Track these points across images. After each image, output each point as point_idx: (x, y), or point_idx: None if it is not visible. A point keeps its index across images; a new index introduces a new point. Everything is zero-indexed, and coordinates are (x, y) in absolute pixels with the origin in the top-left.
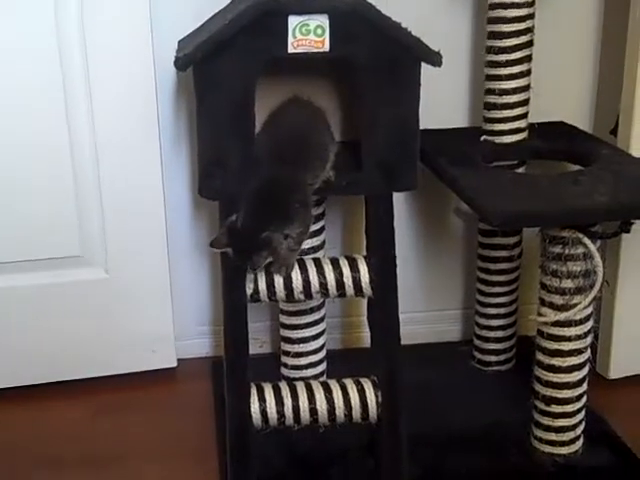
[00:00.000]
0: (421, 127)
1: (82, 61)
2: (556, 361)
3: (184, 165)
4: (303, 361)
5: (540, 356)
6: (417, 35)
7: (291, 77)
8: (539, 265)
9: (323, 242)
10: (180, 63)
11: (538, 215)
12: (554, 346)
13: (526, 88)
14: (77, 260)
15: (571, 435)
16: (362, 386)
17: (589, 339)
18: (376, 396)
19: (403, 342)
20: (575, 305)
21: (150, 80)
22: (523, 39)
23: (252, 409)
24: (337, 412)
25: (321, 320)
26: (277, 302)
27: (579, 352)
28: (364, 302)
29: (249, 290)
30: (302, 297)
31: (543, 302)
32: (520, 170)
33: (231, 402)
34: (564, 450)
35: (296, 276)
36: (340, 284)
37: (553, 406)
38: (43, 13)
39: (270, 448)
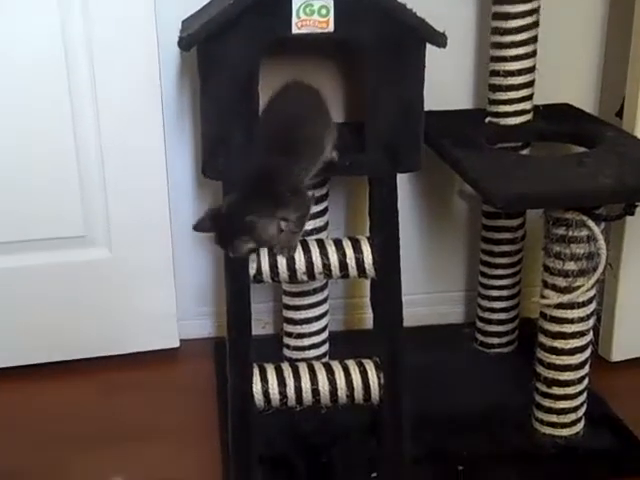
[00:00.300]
0: (425, 108)
1: (86, 41)
2: (558, 343)
3: (187, 145)
4: (306, 342)
5: (542, 338)
6: (422, 16)
7: (295, 58)
8: (542, 247)
9: (326, 223)
10: (184, 43)
11: (542, 197)
12: (556, 328)
13: (531, 70)
14: (80, 240)
15: (572, 417)
16: (364, 367)
17: (592, 322)
18: (378, 377)
19: (405, 324)
20: (578, 287)
21: (154, 60)
22: (529, 20)
23: (254, 390)
24: (339, 393)
25: (324, 301)
26: (280, 283)
27: (581, 334)
28: (367, 283)
29: (252, 271)
30: (305, 278)
31: (546, 284)
32: (524, 152)
33: (233, 382)
34: (565, 432)
35: (299, 257)
36: (343, 265)
37: (555, 388)
38: None
39: (272, 429)
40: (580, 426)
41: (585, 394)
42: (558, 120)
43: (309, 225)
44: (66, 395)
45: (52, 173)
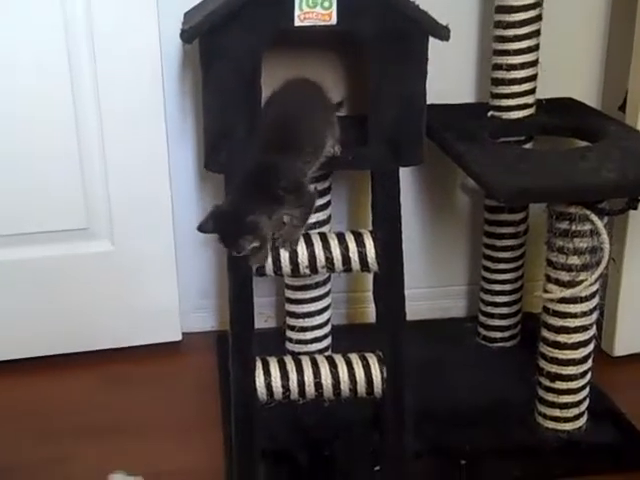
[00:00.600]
0: (428, 102)
1: (87, 33)
2: (561, 338)
3: (190, 138)
4: (308, 335)
5: (545, 333)
6: (424, 9)
7: (298, 51)
8: (545, 241)
9: (329, 217)
10: (186, 35)
11: (545, 191)
12: (560, 323)
13: (534, 63)
14: (83, 232)
15: (575, 411)
16: (367, 361)
17: (595, 316)
18: (381, 371)
19: (408, 318)
20: (581, 282)
21: (156, 53)
22: (532, 13)
23: (257, 383)
24: (342, 387)
25: (326, 295)
26: (282, 276)
27: (585, 329)
28: (369, 277)
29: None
30: (308, 272)
31: (549, 279)
32: (527, 146)
33: (236, 376)
34: (568, 426)
35: (302, 251)
36: (346, 259)
37: (558, 382)
38: None
39: (275, 422)
40: (583, 420)
41: (588, 388)
42: (561, 114)
43: (312, 218)
44: (68, 388)
45: (54, 166)
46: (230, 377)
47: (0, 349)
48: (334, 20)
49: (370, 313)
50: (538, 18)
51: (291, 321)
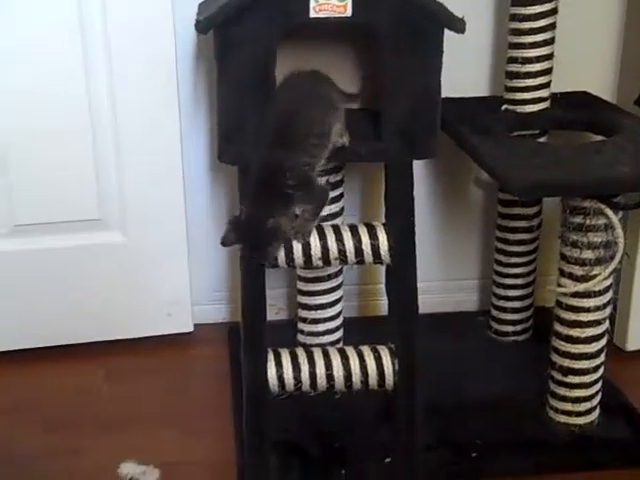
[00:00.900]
0: (442, 95)
1: (102, 25)
2: (574, 332)
3: (203, 130)
4: (320, 328)
5: (558, 327)
6: (440, 1)
7: (312, 43)
8: (559, 236)
9: (342, 209)
10: (201, 26)
11: (560, 185)
12: (573, 317)
13: (549, 57)
14: (95, 223)
15: (587, 406)
16: (379, 353)
17: (608, 310)
18: (393, 364)
19: (420, 311)
20: (595, 276)
21: (170, 44)
22: (547, 7)
23: (269, 374)
24: (353, 379)
25: (338, 287)
26: (295, 268)
27: (598, 323)
28: (382, 269)
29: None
30: (320, 264)
31: (563, 273)
32: (541, 140)
33: (248, 367)
34: (580, 420)
35: (315, 243)
36: (359, 251)
37: (570, 377)
38: None
39: (286, 414)
40: (595, 415)
41: (600, 383)
42: (576, 108)
43: (324, 211)
44: (79, 378)
45: (67, 156)
46: (242, 369)
47: (12, 338)
48: (349, 12)
49: (382, 306)
50: (554, 11)
51: (303, 313)
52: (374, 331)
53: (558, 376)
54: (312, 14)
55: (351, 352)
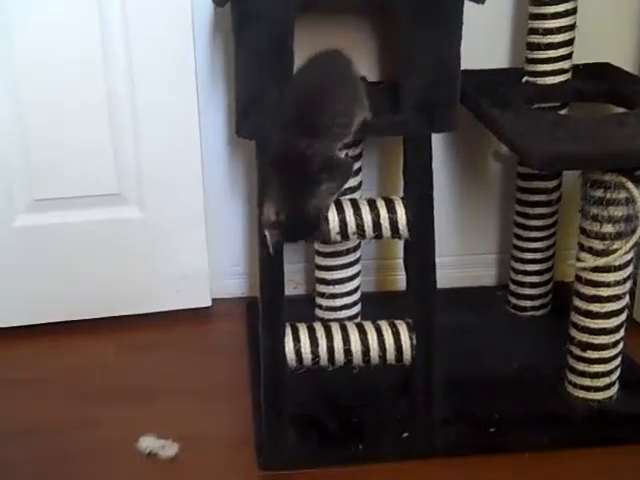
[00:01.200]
0: (461, 67)
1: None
2: (594, 307)
3: (220, 104)
4: (338, 303)
5: (577, 302)
6: None
7: (329, 16)
8: (579, 209)
9: (360, 183)
10: None
11: (580, 158)
12: (592, 292)
13: (571, 27)
14: (114, 198)
15: (606, 381)
16: (397, 328)
17: (628, 285)
18: (410, 339)
19: (438, 286)
20: (615, 250)
21: (187, 18)
22: None
23: (287, 349)
24: (371, 353)
25: (356, 262)
26: (313, 243)
27: (618, 298)
28: (399, 244)
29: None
30: (339, 238)
31: (582, 247)
32: (563, 112)
33: (266, 341)
34: (599, 396)
35: (333, 217)
36: (377, 225)
37: (589, 352)
38: None
39: (304, 388)
40: (614, 390)
41: (619, 358)
42: (597, 80)
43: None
44: (98, 352)
45: (85, 131)
46: (260, 343)
47: (31, 313)
48: None
49: (400, 281)
50: None
51: (321, 288)
52: (392, 306)
53: (577, 351)
54: None
55: (369, 327)
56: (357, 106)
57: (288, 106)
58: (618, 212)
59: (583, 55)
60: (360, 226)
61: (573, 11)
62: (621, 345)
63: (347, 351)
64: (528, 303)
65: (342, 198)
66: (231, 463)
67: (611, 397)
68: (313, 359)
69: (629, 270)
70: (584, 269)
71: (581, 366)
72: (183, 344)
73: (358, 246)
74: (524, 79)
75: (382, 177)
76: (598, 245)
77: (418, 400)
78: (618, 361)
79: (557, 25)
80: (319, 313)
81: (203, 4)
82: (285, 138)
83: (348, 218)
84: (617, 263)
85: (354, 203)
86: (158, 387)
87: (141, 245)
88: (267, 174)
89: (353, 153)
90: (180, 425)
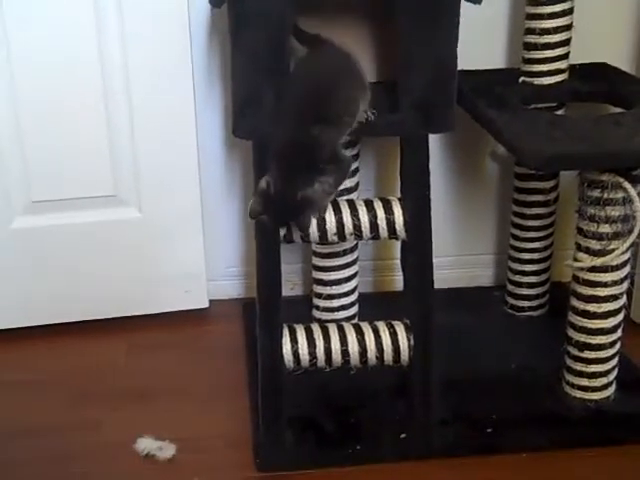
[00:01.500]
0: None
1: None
2: (591, 307)
3: (217, 105)
4: (335, 303)
5: (575, 302)
6: None
7: (327, 16)
8: (576, 210)
9: (357, 184)
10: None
11: (578, 158)
12: (589, 292)
13: (568, 27)
14: (111, 200)
15: (604, 381)
16: (394, 329)
17: (625, 285)
18: (408, 339)
19: (436, 286)
20: (612, 250)
21: (184, 19)
22: None
23: (284, 350)
24: (369, 354)
25: (354, 262)
26: (310, 243)
27: (615, 298)
28: (397, 245)
29: (282, 231)
30: (336, 239)
31: (579, 247)
32: (559, 112)
33: (263, 342)
34: (596, 396)
35: (330, 218)
36: (374, 226)
37: (586, 352)
38: None
39: (301, 389)
40: (611, 390)
41: (617, 358)
42: (594, 80)
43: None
44: (96, 353)
45: (82, 132)
46: (257, 344)
47: (29, 315)
48: None
49: (397, 281)
50: None
51: (318, 288)
52: (389, 307)
53: (574, 351)
54: None
55: (366, 328)
56: (363, 96)
57: (296, 92)
58: (615, 212)
59: (580, 55)
60: (357, 227)
61: (570, 11)
62: (618, 345)
63: (345, 352)
64: (525, 303)
65: (339, 199)
66: (229, 464)
67: (608, 397)
68: (310, 360)
69: (626, 270)
70: (581, 269)
71: (579, 366)
72: (180, 345)
73: (355, 247)
74: (521, 79)
75: (379, 178)
76: (595, 245)
77: (416, 401)
78: (615, 361)
79: (554, 25)
80: (316, 314)
81: (200, 4)
82: (297, 124)
83: (345, 219)
84: (614, 263)
85: (351, 204)
86: (155, 388)
87: (138, 246)
88: (274, 154)
89: (350, 153)
90: (177, 426)
